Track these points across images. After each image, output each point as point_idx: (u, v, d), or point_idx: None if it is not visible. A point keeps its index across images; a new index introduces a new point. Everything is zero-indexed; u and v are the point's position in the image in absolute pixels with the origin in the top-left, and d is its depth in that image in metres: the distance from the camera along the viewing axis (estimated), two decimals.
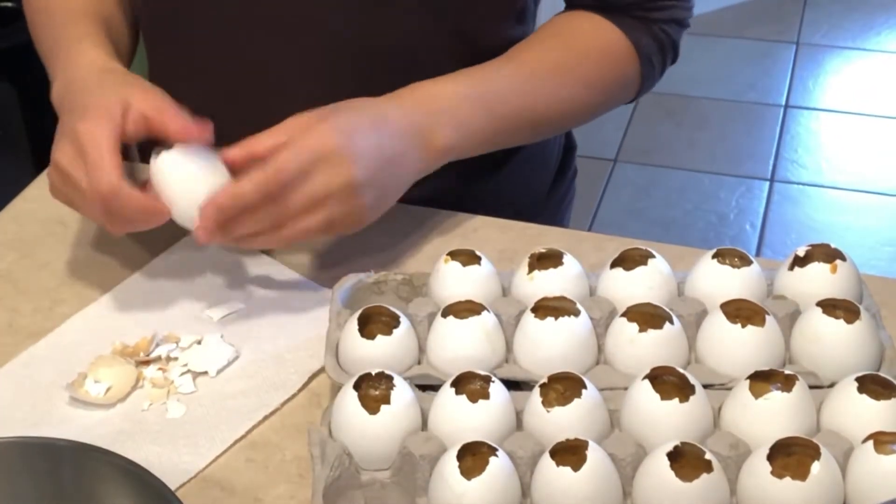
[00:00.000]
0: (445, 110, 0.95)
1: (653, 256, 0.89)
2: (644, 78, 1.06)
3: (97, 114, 0.88)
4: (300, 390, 0.88)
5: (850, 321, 0.81)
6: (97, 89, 0.92)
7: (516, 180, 1.14)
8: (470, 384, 0.78)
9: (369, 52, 1.01)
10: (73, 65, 0.96)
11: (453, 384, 0.78)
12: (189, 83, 1.08)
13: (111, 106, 0.89)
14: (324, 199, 0.87)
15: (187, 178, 0.89)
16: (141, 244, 1.02)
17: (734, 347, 0.82)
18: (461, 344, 0.83)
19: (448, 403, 0.77)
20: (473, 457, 0.73)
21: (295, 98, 1.04)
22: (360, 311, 0.84)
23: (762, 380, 0.77)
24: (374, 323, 0.84)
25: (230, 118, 1.07)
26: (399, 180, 0.93)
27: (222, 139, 1.09)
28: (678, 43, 1.08)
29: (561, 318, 0.83)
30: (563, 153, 1.24)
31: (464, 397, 0.77)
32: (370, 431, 0.77)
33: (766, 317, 0.82)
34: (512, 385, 0.81)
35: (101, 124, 0.87)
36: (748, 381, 0.77)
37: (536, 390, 0.78)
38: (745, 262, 0.88)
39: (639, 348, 0.82)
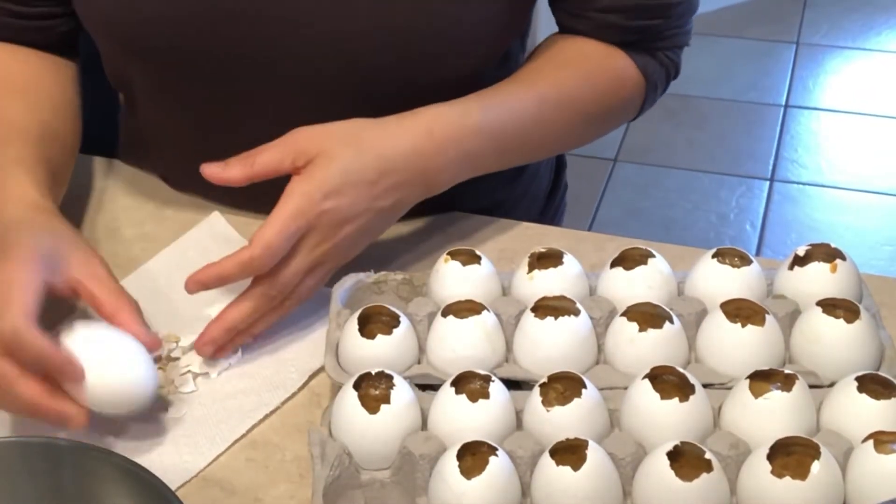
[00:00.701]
0: (456, 147, 0.93)
1: (653, 256, 0.89)
2: (646, 101, 1.06)
3: (21, 255, 0.82)
4: (300, 390, 0.88)
5: (850, 321, 0.81)
6: (26, 230, 0.85)
7: (509, 203, 1.13)
8: (470, 384, 0.78)
9: (351, 88, 0.98)
10: (4, 195, 0.90)
11: (453, 384, 0.78)
12: (172, 116, 1.06)
13: (38, 251, 0.83)
14: (316, 265, 0.88)
15: (102, 360, 0.80)
16: (141, 244, 1.02)
17: (734, 347, 0.82)
18: (461, 343, 0.83)
19: (448, 403, 0.77)
20: (473, 456, 0.73)
21: (286, 117, 1.02)
22: (360, 311, 0.84)
23: (762, 379, 0.77)
24: (374, 323, 0.84)
25: (212, 134, 1.04)
26: (389, 221, 0.92)
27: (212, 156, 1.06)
28: (680, 63, 1.08)
29: (561, 318, 0.83)
30: (554, 173, 1.24)
31: (464, 397, 0.77)
32: (370, 431, 0.77)
33: (766, 316, 0.82)
34: (512, 385, 0.81)
35: (22, 267, 0.81)
36: (748, 380, 0.77)
37: (536, 390, 0.78)
38: (745, 261, 0.88)
39: (639, 348, 0.82)
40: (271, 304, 0.87)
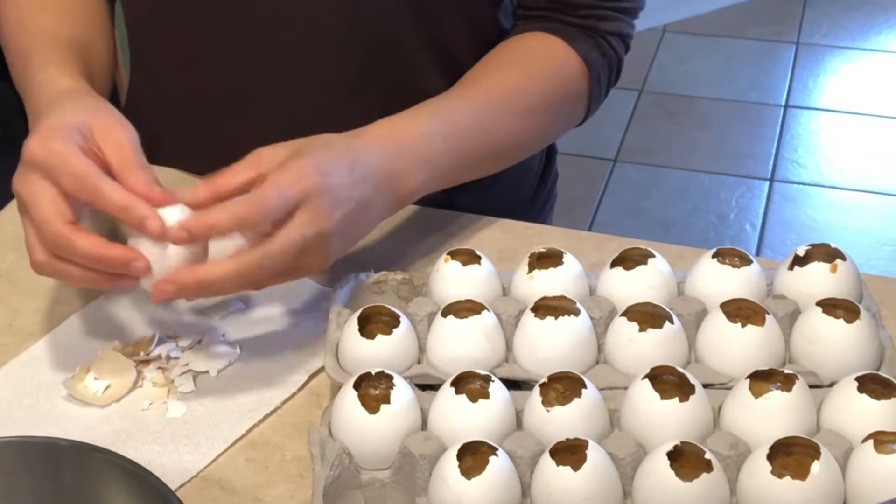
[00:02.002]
0: (413, 151, 0.92)
1: (653, 256, 0.89)
2: (592, 95, 1.06)
3: (49, 126, 0.82)
4: (300, 390, 0.88)
5: (850, 321, 0.81)
6: (54, 110, 0.86)
7: (500, 187, 1.14)
8: (470, 384, 0.78)
9: (354, 47, 1.02)
10: (42, 92, 0.91)
11: (453, 384, 0.78)
12: (175, 77, 1.09)
13: (66, 128, 0.82)
14: (300, 246, 0.82)
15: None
16: None
17: (734, 347, 0.82)
18: (461, 343, 0.83)
19: (448, 403, 0.77)
20: (473, 456, 0.73)
21: (280, 93, 1.05)
22: (360, 311, 0.84)
23: (762, 379, 0.77)
24: (374, 323, 0.84)
25: (214, 111, 1.08)
26: (365, 226, 0.89)
27: (207, 134, 1.10)
28: (622, 61, 1.08)
29: (561, 318, 0.83)
30: (545, 158, 1.24)
31: (464, 397, 0.77)
32: (370, 431, 0.77)
33: (766, 316, 0.82)
34: (512, 385, 0.81)
35: (54, 133, 0.81)
36: (748, 380, 0.77)
37: (536, 390, 0.78)
38: (745, 261, 0.88)
39: (639, 348, 0.82)
40: (258, 275, 0.81)
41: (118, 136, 0.84)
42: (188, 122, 1.10)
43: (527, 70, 1.02)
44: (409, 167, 0.91)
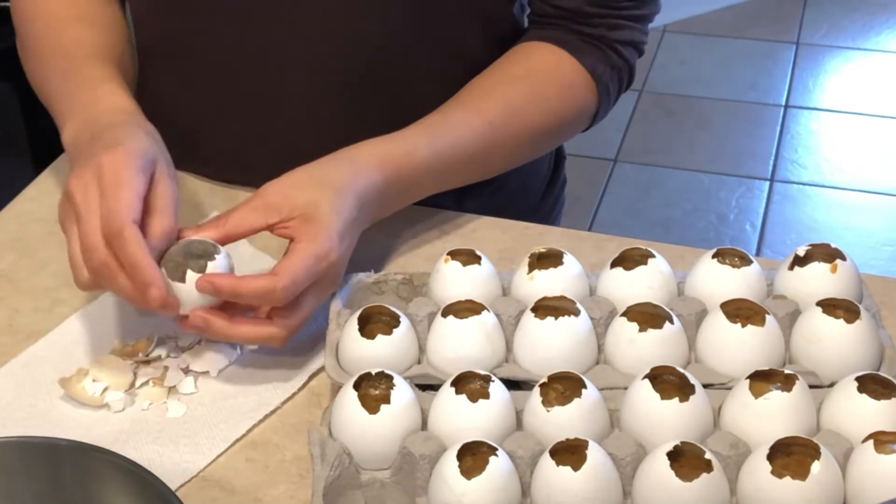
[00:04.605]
0: (407, 189, 0.95)
1: (653, 256, 0.89)
2: (600, 106, 1.06)
3: (128, 149, 0.84)
4: (300, 390, 0.88)
5: (850, 321, 0.81)
6: (131, 130, 0.88)
7: (508, 192, 1.14)
8: (470, 384, 0.78)
9: (361, 51, 1.02)
10: (97, 106, 0.93)
11: (453, 384, 0.78)
12: (181, 83, 1.09)
13: (145, 151, 0.85)
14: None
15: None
16: None
17: (734, 347, 0.82)
18: (461, 344, 0.83)
19: (448, 403, 0.77)
20: (473, 456, 0.73)
21: (285, 97, 1.04)
22: (360, 311, 0.84)
23: (762, 379, 0.77)
24: (374, 323, 0.84)
25: (220, 117, 1.08)
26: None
27: (212, 139, 1.09)
28: (634, 68, 1.08)
29: (561, 318, 0.83)
30: (553, 164, 1.24)
31: (464, 397, 0.77)
32: (370, 431, 0.77)
33: (766, 316, 0.82)
34: (512, 385, 0.81)
35: (128, 160, 0.83)
36: (748, 380, 0.77)
37: (536, 390, 0.78)
38: (745, 261, 0.88)
39: (639, 348, 0.82)
40: (272, 344, 0.86)
41: (167, 190, 0.86)
42: (194, 128, 1.09)
43: (530, 91, 1.01)
44: (393, 198, 0.95)
